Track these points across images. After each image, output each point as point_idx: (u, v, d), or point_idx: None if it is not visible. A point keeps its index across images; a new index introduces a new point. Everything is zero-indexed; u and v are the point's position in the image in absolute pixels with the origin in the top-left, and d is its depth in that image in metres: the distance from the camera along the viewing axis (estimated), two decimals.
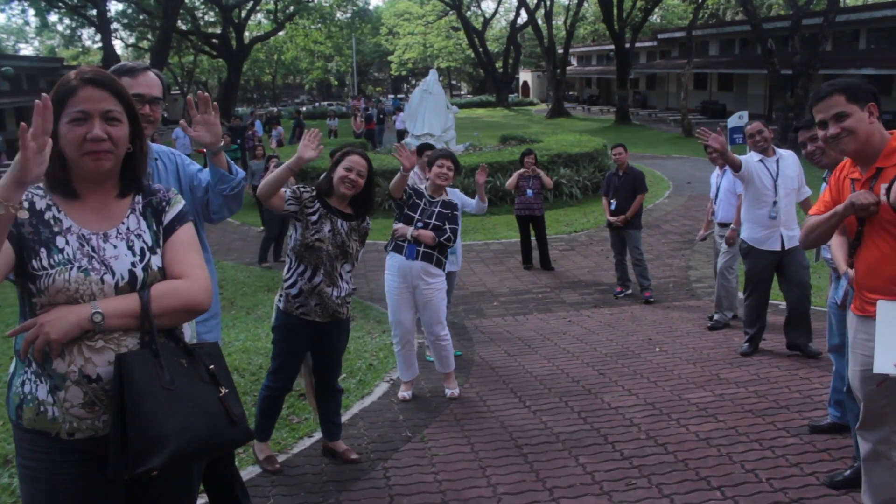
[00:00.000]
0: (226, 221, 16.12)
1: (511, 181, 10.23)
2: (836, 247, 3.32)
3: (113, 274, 2.00)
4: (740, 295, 7.72)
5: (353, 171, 4.03)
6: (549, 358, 6.38)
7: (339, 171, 4.04)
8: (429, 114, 18.54)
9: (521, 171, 10.18)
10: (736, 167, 5.91)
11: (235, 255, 12.39)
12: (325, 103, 59.66)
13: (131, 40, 50.29)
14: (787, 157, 6.15)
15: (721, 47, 40.81)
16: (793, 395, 5.08)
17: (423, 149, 6.88)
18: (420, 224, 5.14)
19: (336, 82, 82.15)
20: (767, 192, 6.00)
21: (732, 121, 22.19)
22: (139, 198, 2.15)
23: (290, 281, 4.06)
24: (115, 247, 2.04)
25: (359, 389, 5.66)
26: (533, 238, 10.46)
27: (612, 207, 8.75)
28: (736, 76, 37.78)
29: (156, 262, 2.08)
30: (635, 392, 5.31)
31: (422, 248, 5.13)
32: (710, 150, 5.98)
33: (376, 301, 9.14)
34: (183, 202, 2.23)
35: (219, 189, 2.93)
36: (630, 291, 8.93)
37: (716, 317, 7.30)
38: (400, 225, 5.20)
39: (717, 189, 7.39)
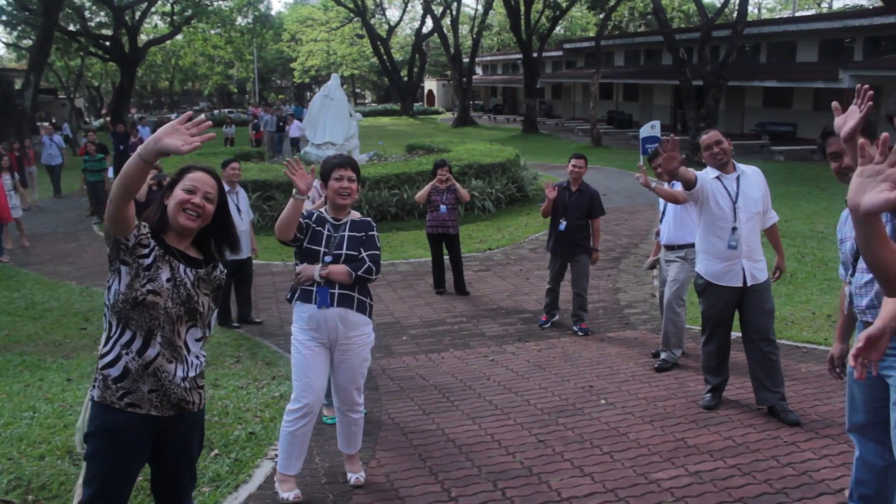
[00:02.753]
0: (90, 233, 14.32)
1: (422, 194, 9.03)
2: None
3: None
4: (690, 326, 6.77)
5: (198, 194, 2.77)
6: (473, 416, 5.19)
7: (177, 195, 2.78)
8: (330, 121, 17.19)
9: (434, 182, 9.01)
10: (689, 183, 4.89)
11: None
12: (226, 110, 57.21)
13: (11, 38, 46.84)
14: (751, 174, 5.13)
15: (627, 58, 40.91)
16: (786, 473, 4.04)
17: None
18: (329, 258, 3.91)
19: (236, 89, 79.43)
20: (725, 216, 4.99)
21: (645, 130, 21.72)
22: None
23: (110, 357, 2.74)
24: None
25: (232, 474, 4.30)
26: (446, 258, 9.29)
27: (561, 228, 7.55)
28: (642, 87, 37.86)
29: None
30: (588, 471, 4.17)
31: (337, 290, 3.91)
32: (659, 162, 4.94)
33: (267, 337, 7.78)
34: None
35: None
36: (556, 318, 7.88)
37: (663, 355, 6.28)
38: (302, 266, 3.94)
39: (664, 207, 6.39)
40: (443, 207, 8.92)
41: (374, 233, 4.08)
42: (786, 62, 29.52)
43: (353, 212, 4.08)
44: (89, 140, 15.77)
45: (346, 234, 3.97)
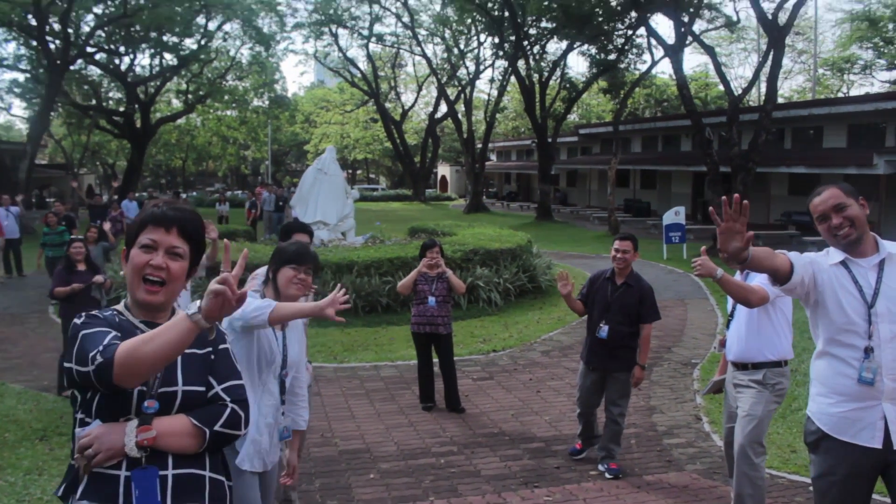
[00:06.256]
0: (43, 316, 12.54)
1: (405, 282, 7.22)
2: None
3: None
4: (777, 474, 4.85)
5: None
6: None
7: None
8: (323, 198, 15.57)
9: (421, 268, 7.23)
10: (779, 274, 3.08)
11: (34, 375, 8.87)
12: (239, 192, 56.28)
13: (27, 113, 46.30)
14: None
15: (644, 144, 39.68)
16: None
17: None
18: (151, 406, 2.10)
19: (249, 171, 79.12)
20: (854, 327, 3.09)
21: (668, 217, 20.12)
22: None
23: None
24: None
25: None
26: (436, 364, 7.44)
27: (602, 335, 5.69)
28: (659, 174, 36.48)
29: None
30: None
31: (171, 472, 2.11)
32: (728, 242, 3.07)
33: None
34: None
35: None
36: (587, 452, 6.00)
37: None
38: (95, 429, 2.08)
39: (733, 307, 4.56)
40: (431, 300, 7.11)
41: (228, 348, 2.36)
42: (812, 147, 28.10)
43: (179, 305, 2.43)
44: (52, 210, 14.16)
45: (202, 353, 2.29)
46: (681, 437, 6.52)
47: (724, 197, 2.90)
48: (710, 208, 3.07)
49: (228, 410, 2.21)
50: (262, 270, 6.33)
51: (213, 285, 1.99)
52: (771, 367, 4.30)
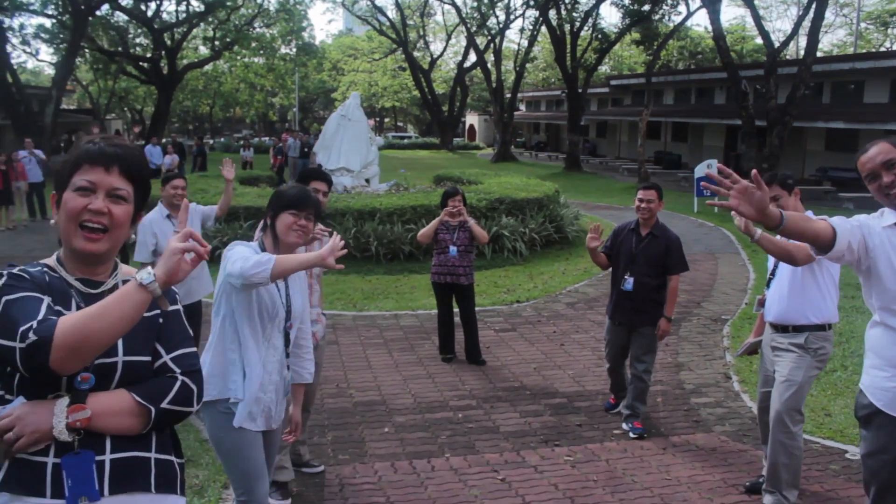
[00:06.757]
0: None
1: (426, 231, 6.94)
2: None
3: None
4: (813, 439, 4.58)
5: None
6: None
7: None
8: (347, 144, 15.27)
9: (443, 217, 6.95)
10: (823, 241, 2.73)
11: None
12: (266, 138, 56.05)
13: (55, 58, 46.16)
14: None
15: (676, 97, 38.73)
16: None
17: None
18: (86, 381, 1.78)
19: (276, 118, 78.81)
20: None
21: (700, 169, 19.56)
22: None
23: None
24: None
25: None
26: (457, 315, 7.21)
27: (627, 288, 5.43)
28: (691, 126, 35.61)
29: None
30: None
31: (108, 456, 1.80)
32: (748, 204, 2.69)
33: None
34: None
35: None
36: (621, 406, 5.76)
37: (768, 500, 4.08)
38: (18, 407, 1.75)
39: (774, 265, 4.24)
40: (453, 249, 6.84)
41: (179, 307, 2.05)
42: (852, 102, 27.17)
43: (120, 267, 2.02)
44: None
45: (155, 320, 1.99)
46: (709, 396, 6.25)
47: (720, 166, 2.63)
48: (753, 170, 2.70)
49: (178, 384, 1.89)
50: (194, 206, 6.12)
51: (176, 244, 1.70)
52: (814, 330, 3.98)
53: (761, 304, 4.35)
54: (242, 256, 2.89)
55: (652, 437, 5.35)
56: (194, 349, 2.01)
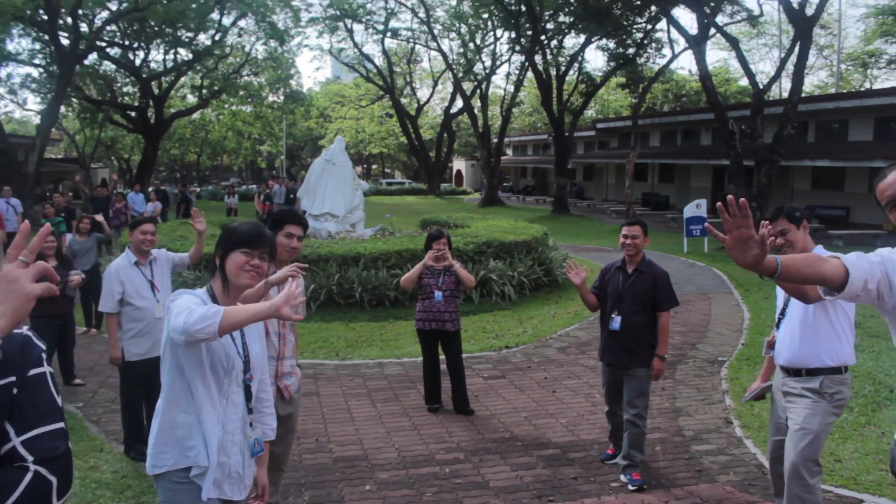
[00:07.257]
0: None
1: (409, 276, 6.65)
2: None
3: None
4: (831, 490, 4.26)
5: None
6: None
7: None
8: (331, 189, 15.03)
9: (427, 260, 6.66)
10: (832, 283, 2.42)
11: None
12: (254, 186, 55.98)
13: (39, 106, 46.03)
14: None
15: (662, 138, 38.92)
16: None
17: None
18: None
19: (265, 165, 78.96)
20: None
21: (689, 210, 19.46)
22: None
23: None
24: None
25: None
26: (443, 363, 6.88)
27: (615, 327, 5.23)
28: (678, 167, 35.72)
29: None
30: None
31: None
32: (744, 253, 2.36)
33: None
34: None
35: None
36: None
37: None
38: None
39: (786, 301, 3.96)
40: (438, 294, 6.54)
41: (45, 369, 1.56)
42: (837, 141, 27.32)
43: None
44: (51, 202, 13.74)
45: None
46: (710, 442, 5.93)
47: (718, 204, 2.35)
48: (718, 204, 2.44)
49: (29, 477, 1.43)
50: (165, 252, 5.81)
51: (13, 269, 1.33)
52: (829, 373, 3.70)
53: (770, 346, 4.06)
54: (186, 308, 2.54)
55: (652, 489, 5.02)
56: (60, 425, 1.54)
